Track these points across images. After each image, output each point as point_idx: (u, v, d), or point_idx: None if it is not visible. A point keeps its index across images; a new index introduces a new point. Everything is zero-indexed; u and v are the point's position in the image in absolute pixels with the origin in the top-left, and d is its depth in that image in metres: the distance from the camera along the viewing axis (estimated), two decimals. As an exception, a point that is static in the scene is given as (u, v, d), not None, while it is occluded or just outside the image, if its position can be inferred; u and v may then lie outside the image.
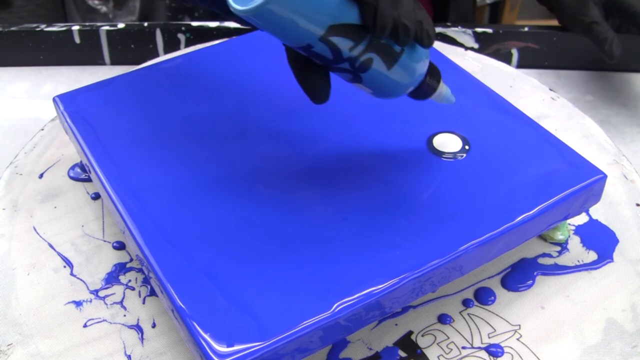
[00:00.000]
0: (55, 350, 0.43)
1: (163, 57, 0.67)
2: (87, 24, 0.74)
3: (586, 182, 0.45)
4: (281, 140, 0.49)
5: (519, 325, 0.45)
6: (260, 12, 0.34)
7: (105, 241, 0.50)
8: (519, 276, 0.48)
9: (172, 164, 0.47)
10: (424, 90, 0.43)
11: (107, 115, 0.51)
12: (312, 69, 0.40)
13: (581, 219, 0.52)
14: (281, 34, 0.36)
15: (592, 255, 0.49)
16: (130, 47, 0.74)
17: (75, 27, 0.73)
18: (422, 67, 0.41)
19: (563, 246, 0.50)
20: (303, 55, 0.39)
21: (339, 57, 0.38)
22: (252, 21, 0.36)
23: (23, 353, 0.43)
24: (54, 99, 0.53)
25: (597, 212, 0.52)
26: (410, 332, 0.45)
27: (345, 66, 0.39)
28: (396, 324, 0.45)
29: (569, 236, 0.50)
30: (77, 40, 0.73)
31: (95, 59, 0.75)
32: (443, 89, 0.45)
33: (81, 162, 0.56)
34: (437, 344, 0.44)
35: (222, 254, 0.41)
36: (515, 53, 0.73)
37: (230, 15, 0.39)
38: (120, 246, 0.50)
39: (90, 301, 0.46)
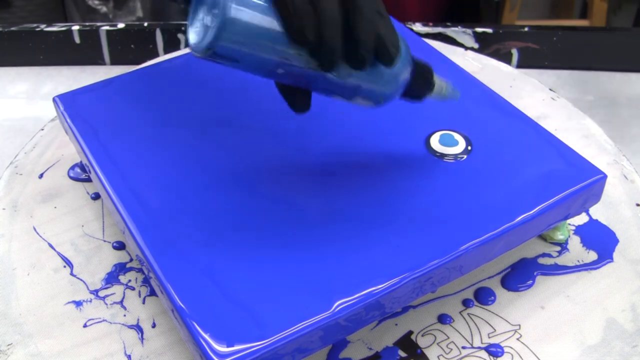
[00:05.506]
0: (55, 350, 0.43)
1: (163, 57, 0.67)
2: (87, 24, 0.74)
3: (586, 182, 0.45)
4: (281, 140, 0.49)
5: (519, 325, 0.45)
6: (210, 54, 0.34)
7: (105, 241, 0.50)
8: (519, 276, 0.48)
9: (172, 164, 0.47)
10: (413, 94, 0.43)
11: (107, 115, 0.51)
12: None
13: (581, 219, 0.52)
14: (238, 68, 0.37)
15: (592, 255, 0.49)
16: (130, 47, 0.74)
17: (75, 27, 0.73)
18: (396, 77, 0.40)
19: (563, 246, 0.50)
20: None
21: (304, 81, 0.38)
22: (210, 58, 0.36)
23: (23, 353, 0.43)
24: (54, 99, 0.53)
25: (597, 212, 0.52)
26: (410, 332, 0.45)
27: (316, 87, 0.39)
28: (396, 324, 0.45)
29: (569, 236, 0.50)
30: (77, 40, 0.73)
31: (95, 59, 0.75)
32: (443, 88, 0.44)
33: (81, 162, 0.56)
34: (437, 343, 0.44)
35: (222, 253, 0.41)
36: (515, 53, 0.73)
37: None
38: (120, 246, 0.50)
39: (90, 301, 0.46)
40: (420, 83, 0.42)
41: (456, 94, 0.45)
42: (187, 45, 0.72)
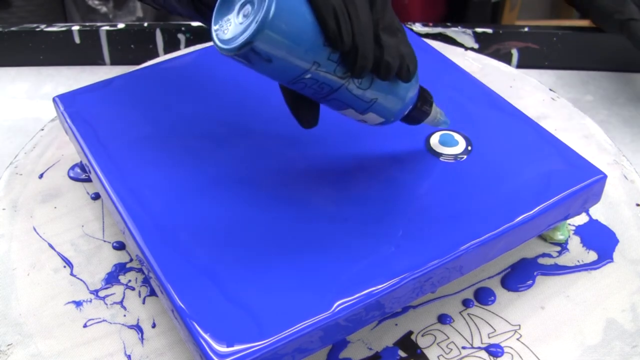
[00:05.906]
0: (55, 350, 0.43)
1: (163, 57, 0.67)
2: (87, 24, 0.74)
3: (586, 182, 0.45)
4: (280, 140, 0.49)
5: (519, 325, 0.45)
6: (245, 52, 0.34)
7: (105, 241, 0.50)
8: (519, 276, 0.48)
9: (172, 164, 0.47)
10: (414, 116, 0.44)
11: (107, 115, 0.51)
12: (303, 98, 0.40)
13: (581, 219, 0.52)
14: (266, 71, 0.37)
15: (592, 256, 0.49)
16: (130, 47, 0.74)
17: (75, 27, 0.73)
18: (406, 96, 0.41)
19: (563, 246, 0.50)
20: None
21: (325, 92, 0.38)
22: (236, 59, 0.36)
23: (23, 353, 0.43)
24: (54, 99, 0.53)
25: (597, 212, 0.52)
26: (410, 332, 0.45)
27: (332, 100, 0.39)
28: (396, 324, 0.45)
29: (569, 236, 0.50)
30: (77, 40, 0.73)
31: (95, 59, 0.75)
32: (438, 112, 0.45)
33: (81, 162, 0.56)
34: (437, 344, 0.44)
35: (222, 253, 0.41)
36: (515, 53, 0.73)
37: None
38: (120, 246, 0.50)
39: (90, 301, 0.46)
40: (421, 104, 0.43)
41: (447, 121, 0.46)
42: (208, 40, 0.72)
